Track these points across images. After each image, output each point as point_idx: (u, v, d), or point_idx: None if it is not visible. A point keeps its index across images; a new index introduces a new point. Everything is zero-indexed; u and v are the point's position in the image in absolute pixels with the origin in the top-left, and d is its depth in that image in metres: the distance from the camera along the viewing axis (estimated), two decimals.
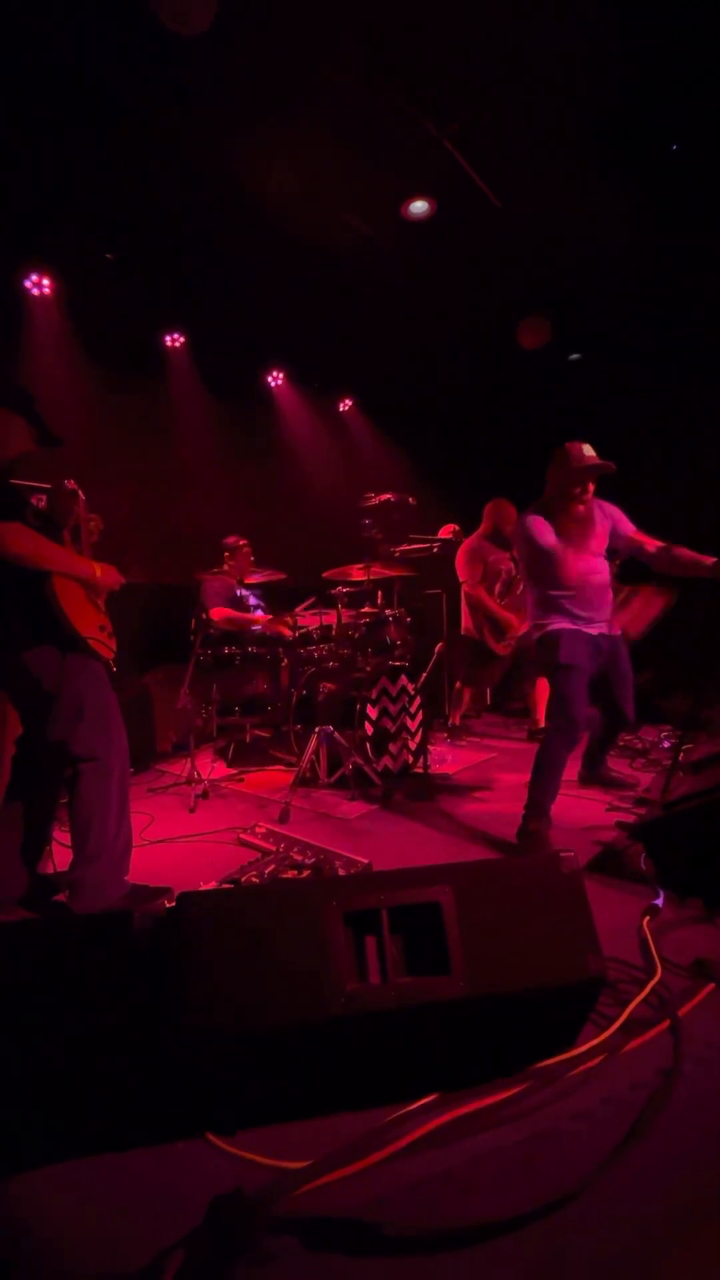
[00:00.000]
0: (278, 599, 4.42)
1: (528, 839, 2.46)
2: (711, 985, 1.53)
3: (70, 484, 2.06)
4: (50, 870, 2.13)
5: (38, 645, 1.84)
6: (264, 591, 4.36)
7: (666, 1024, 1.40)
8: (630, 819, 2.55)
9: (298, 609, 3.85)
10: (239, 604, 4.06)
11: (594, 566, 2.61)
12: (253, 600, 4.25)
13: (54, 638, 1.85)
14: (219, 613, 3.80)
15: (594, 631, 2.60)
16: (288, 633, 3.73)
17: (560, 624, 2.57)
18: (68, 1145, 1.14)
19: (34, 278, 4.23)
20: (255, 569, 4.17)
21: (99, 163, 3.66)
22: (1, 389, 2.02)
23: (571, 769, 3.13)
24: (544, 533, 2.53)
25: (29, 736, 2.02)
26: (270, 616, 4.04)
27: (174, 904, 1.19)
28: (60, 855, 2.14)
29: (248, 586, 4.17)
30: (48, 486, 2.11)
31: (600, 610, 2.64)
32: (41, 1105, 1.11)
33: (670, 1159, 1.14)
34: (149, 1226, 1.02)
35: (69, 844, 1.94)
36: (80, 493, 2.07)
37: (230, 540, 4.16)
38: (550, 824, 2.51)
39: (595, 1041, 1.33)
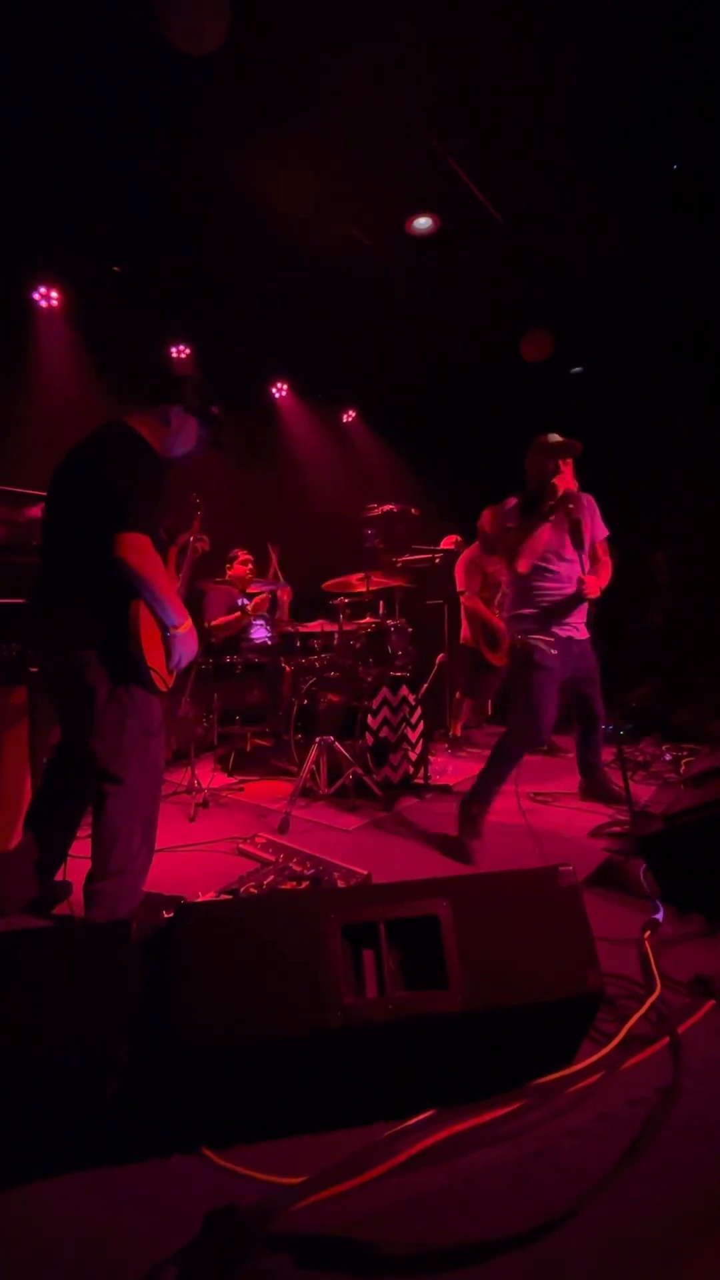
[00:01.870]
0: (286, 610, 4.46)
1: (469, 822, 2.55)
2: (712, 1002, 1.52)
3: (195, 498, 1.99)
4: (60, 878, 2.12)
5: (100, 649, 1.77)
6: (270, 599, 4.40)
7: (666, 1041, 1.39)
8: (617, 842, 2.55)
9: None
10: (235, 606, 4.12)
11: (571, 570, 2.63)
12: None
13: (118, 655, 1.77)
14: (212, 620, 3.86)
15: (565, 635, 2.63)
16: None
17: (533, 625, 2.61)
18: (63, 1157, 1.13)
19: (42, 290, 4.30)
20: (257, 579, 4.20)
21: (107, 176, 3.73)
22: (186, 391, 1.94)
23: (573, 781, 3.15)
24: (510, 515, 2.59)
25: (66, 745, 1.97)
26: (263, 622, 4.10)
27: (173, 914, 1.19)
28: (71, 865, 2.12)
29: (250, 596, 4.20)
30: (189, 495, 2.05)
31: (577, 612, 2.67)
32: (37, 1117, 1.11)
33: (669, 1177, 1.13)
34: (144, 1240, 1.01)
35: (85, 855, 1.90)
36: (201, 509, 1.99)
37: (231, 553, 4.25)
38: (489, 810, 2.59)
39: (594, 1058, 1.32)
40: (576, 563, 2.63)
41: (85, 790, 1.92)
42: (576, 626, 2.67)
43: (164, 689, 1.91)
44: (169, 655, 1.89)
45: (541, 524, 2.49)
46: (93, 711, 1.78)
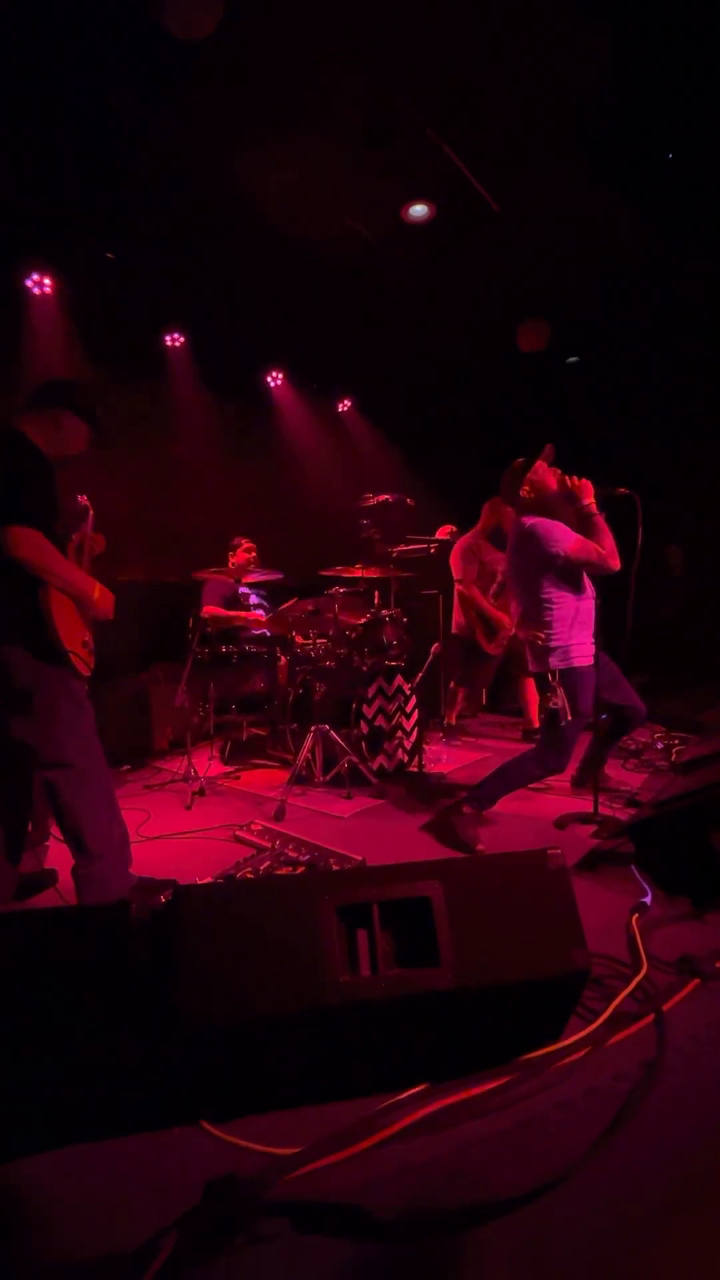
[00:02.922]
0: (278, 599, 4.46)
1: (457, 816, 2.54)
2: (697, 981, 1.56)
3: (83, 500, 2.06)
4: (35, 868, 2.15)
5: (16, 645, 1.83)
6: (267, 591, 4.40)
7: (651, 1018, 1.44)
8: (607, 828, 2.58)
9: (285, 606, 3.90)
10: (236, 603, 4.09)
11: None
12: (254, 599, 4.28)
13: (35, 642, 1.83)
14: (209, 610, 3.86)
15: (594, 653, 2.53)
16: (294, 636, 3.77)
17: (586, 659, 2.48)
18: (68, 1130, 1.17)
19: (35, 276, 4.25)
20: (258, 568, 4.19)
21: (100, 162, 3.68)
22: (68, 392, 1.98)
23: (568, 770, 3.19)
24: (563, 531, 2.42)
25: None
26: (264, 616, 4.09)
27: (171, 895, 1.22)
28: (54, 850, 2.15)
29: (250, 585, 4.21)
30: (78, 498, 2.09)
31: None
32: (42, 1091, 1.14)
33: (653, 1147, 1.17)
34: (146, 1209, 1.05)
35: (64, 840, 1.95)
36: (91, 510, 2.06)
37: (234, 541, 4.24)
38: (480, 817, 2.57)
39: (581, 1034, 1.36)
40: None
41: (25, 778, 1.96)
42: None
43: (86, 673, 1.96)
44: (89, 635, 2.00)
45: (598, 519, 2.44)
46: (15, 699, 1.83)
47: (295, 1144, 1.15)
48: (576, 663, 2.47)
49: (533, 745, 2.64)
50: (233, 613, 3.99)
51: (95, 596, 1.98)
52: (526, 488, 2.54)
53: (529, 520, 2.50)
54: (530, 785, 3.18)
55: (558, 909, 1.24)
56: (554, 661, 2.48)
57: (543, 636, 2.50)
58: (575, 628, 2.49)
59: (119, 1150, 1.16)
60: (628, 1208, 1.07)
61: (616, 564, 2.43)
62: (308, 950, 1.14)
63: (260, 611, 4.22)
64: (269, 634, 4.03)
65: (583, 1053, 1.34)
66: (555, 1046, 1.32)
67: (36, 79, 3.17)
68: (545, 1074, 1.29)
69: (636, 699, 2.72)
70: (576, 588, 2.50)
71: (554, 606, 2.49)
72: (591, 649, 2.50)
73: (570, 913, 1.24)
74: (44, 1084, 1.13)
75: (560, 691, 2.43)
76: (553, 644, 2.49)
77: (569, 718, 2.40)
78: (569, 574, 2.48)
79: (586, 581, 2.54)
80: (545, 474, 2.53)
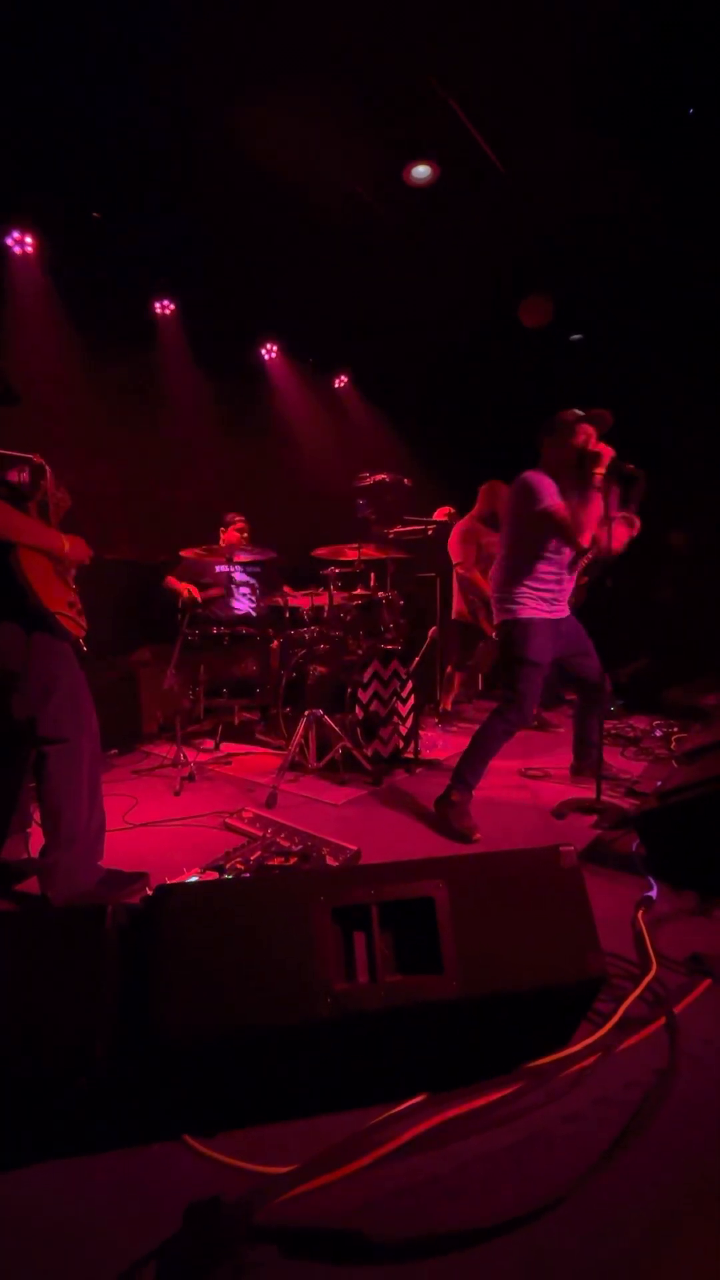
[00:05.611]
0: (269, 578, 4.34)
1: (447, 807, 2.50)
2: (708, 981, 1.49)
3: (36, 458, 1.96)
4: (24, 856, 2.05)
5: (3, 621, 1.75)
6: (261, 570, 4.27)
7: (662, 1021, 1.36)
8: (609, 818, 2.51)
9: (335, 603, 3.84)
10: (209, 578, 4.03)
11: (568, 551, 2.53)
12: (239, 576, 4.14)
13: (18, 612, 1.76)
14: (169, 581, 3.93)
15: (557, 616, 2.57)
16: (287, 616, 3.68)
17: (531, 611, 2.50)
18: (38, 1147, 1.08)
19: (15, 235, 4.03)
20: (249, 547, 4.06)
21: (88, 115, 3.46)
22: None
23: (565, 756, 3.12)
24: (551, 492, 2.39)
25: None
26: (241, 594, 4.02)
27: (152, 894, 1.12)
28: (37, 841, 2.06)
29: (241, 565, 4.07)
30: (31, 457, 2.00)
31: (568, 590, 2.60)
32: (10, 1105, 1.05)
33: (664, 1160, 1.10)
34: (123, 1235, 0.96)
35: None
36: (47, 467, 1.97)
37: (227, 517, 4.15)
38: (471, 797, 2.53)
39: (590, 1040, 1.29)
40: None
41: (19, 759, 1.89)
42: (565, 606, 2.61)
43: (79, 632, 1.90)
44: (74, 595, 1.94)
45: (596, 494, 2.38)
46: (10, 678, 1.76)
47: (286, 1159, 1.07)
48: (519, 614, 2.51)
49: (528, 731, 2.57)
50: (183, 585, 3.91)
51: (66, 547, 1.90)
52: (550, 440, 2.50)
53: (528, 473, 2.48)
54: (528, 773, 3.14)
55: (570, 910, 1.15)
56: (504, 612, 2.54)
57: (504, 589, 2.55)
58: (524, 582, 2.51)
59: (94, 1169, 1.07)
60: (637, 1225, 0.99)
61: (585, 541, 2.38)
62: (300, 956, 1.05)
63: (245, 591, 4.09)
64: (254, 615, 3.92)
65: (592, 1059, 1.26)
66: (563, 1053, 1.24)
67: (20, 25, 2.95)
68: (552, 1083, 1.21)
69: (599, 673, 2.72)
70: (539, 548, 2.48)
71: (511, 559, 2.53)
72: (549, 609, 2.53)
73: (584, 914, 1.15)
74: (11, 1097, 1.04)
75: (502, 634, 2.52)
76: (496, 594, 2.59)
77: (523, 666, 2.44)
78: (539, 532, 2.46)
79: (560, 551, 2.50)
80: (579, 433, 2.44)
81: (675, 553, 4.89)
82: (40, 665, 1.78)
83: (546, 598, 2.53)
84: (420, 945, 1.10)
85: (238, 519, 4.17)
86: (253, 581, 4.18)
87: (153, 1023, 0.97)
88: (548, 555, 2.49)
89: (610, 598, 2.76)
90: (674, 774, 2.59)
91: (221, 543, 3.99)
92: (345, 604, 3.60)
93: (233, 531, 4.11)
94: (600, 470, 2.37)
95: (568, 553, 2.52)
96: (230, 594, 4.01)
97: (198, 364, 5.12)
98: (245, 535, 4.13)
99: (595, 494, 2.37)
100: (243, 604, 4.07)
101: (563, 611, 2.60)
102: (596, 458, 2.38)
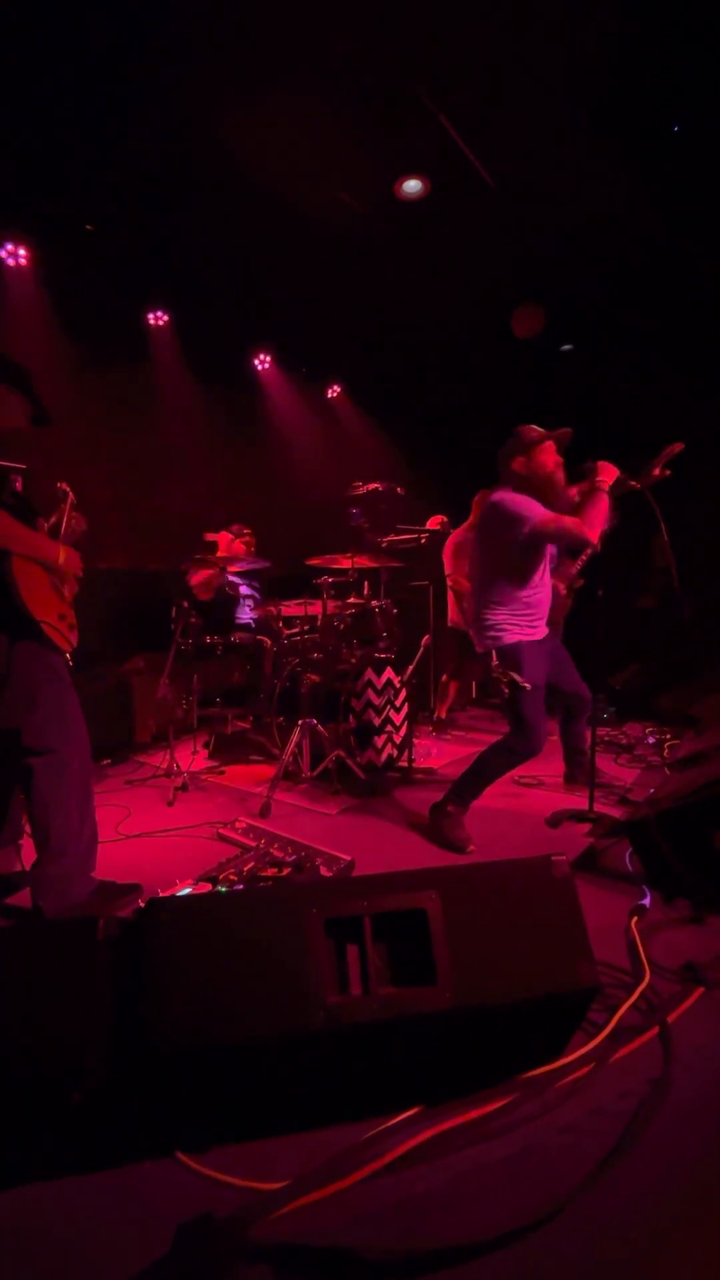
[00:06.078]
0: (266, 589, 4.36)
1: (442, 817, 2.47)
2: (701, 990, 1.49)
3: (63, 486, 1.98)
4: (16, 868, 2.04)
5: None
6: (261, 583, 4.29)
7: (656, 1030, 1.36)
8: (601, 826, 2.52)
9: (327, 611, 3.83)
10: (222, 591, 3.99)
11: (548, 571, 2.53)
12: (245, 589, 4.16)
13: (6, 621, 1.75)
14: (197, 578, 3.85)
15: (541, 636, 2.50)
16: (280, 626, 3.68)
17: (518, 635, 2.43)
18: (25, 1166, 1.06)
19: (9, 246, 4.05)
20: (251, 557, 4.07)
21: (82, 128, 3.49)
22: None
23: (557, 764, 3.12)
24: (533, 506, 2.32)
25: None
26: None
27: (144, 907, 1.12)
28: (29, 854, 2.04)
29: (239, 575, 4.09)
30: (23, 467, 2.00)
31: (545, 611, 2.54)
32: (1, 1118, 1.04)
33: (660, 1169, 1.10)
34: (112, 1255, 0.95)
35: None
36: (71, 495, 1.98)
37: (235, 528, 4.17)
38: (467, 810, 2.50)
39: (584, 1050, 1.28)
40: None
41: (6, 770, 1.87)
42: (544, 625, 2.56)
43: (66, 646, 1.88)
44: (67, 609, 1.93)
45: (601, 493, 2.34)
46: (4, 694, 1.75)
47: (280, 1174, 1.06)
48: (505, 640, 2.43)
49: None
50: (208, 570, 3.86)
51: (61, 559, 1.89)
52: (523, 460, 2.42)
53: (497, 495, 2.40)
54: (521, 780, 3.14)
55: (563, 920, 1.15)
56: (489, 640, 2.45)
57: (483, 616, 2.48)
58: (503, 607, 2.44)
59: (81, 1187, 1.05)
60: (633, 1235, 0.99)
61: (594, 537, 2.30)
62: (293, 968, 1.04)
63: (249, 603, 4.11)
64: (253, 624, 3.92)
65: (586, 1069, 1.26)
66: (557, 1064, 1.24)
67: (12, 33, 2.98)
68: (547, 1094, 1.21)
69: (583, 687, 2.72)
70: (525, 573, 2.42)
71: (489, 585, 2.45)
72: (531, 629, 2.46)
73: (577, 924, 1.15)
74: (2, 1110, 1.02)
75: (501, 666, 2.42)
76: (474, 623, 2.50)
77: (527, 686, 2.36)
78: (525, 556, 2.39)
79: (541, 572, 2.46)
80: (549, 454, 2.42)
81: (657, 560, 4.91)
82: (24, 672, 1.77)
83: (527, 619, 2.46)
84: (413, 956, 1.09)
85: (245, 531, 4.18)
86: (256, 595, 4.21)
87: (145, 1035, 0.96)
88: (528, 577, 2.43)
89: (601, 606, 2.77)
90: (666, 781, 2.60)
91: (229, 552, 4.01)
92: (339, 613, 3.60)
93: (239, 544, 4.12)
94: (603, 479, 2.36)
95: (544, 577, 2.49)
96: (238, 603, 4.04)
97: (191, 374, 5.14)
98: (252, 547, 4.15)
99: (601, 495, 2.35)
100: (246, 614, 4.10)
101: (543, 631, 2.53)
102: (592, 469, 2.39)
